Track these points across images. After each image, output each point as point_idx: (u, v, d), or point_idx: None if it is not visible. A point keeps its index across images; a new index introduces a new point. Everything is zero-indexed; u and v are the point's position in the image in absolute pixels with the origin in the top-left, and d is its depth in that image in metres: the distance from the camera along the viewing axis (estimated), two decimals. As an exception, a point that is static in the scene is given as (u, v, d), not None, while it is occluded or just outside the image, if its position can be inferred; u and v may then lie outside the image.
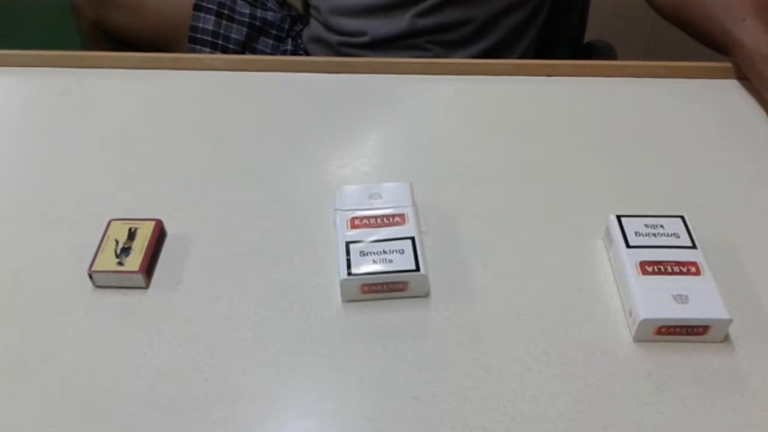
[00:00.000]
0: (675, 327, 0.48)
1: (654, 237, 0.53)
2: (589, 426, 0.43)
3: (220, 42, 1.02)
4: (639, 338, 0.49)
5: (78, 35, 1.10)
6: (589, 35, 1.11)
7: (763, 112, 0.68)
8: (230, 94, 0.72)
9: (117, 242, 0.52)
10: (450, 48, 0.95)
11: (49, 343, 0.48)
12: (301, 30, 1.09)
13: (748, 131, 0.66)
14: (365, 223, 0.53)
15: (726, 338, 0.49)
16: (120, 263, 0.50)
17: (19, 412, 0.44)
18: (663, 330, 0.48)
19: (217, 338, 0.48)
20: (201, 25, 1.01)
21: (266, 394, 0.45)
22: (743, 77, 0.71)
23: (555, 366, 0.47)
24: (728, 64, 0.72)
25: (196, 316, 0.50)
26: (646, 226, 0.53)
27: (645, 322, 0.48)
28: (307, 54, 1.04)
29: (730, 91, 0.71)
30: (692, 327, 0.48)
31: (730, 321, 0.47)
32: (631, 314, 0.49)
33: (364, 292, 0.50)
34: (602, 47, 1.09)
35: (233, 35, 1.03)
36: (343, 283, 0.50)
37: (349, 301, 0.51)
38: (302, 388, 0.46)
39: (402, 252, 0.51)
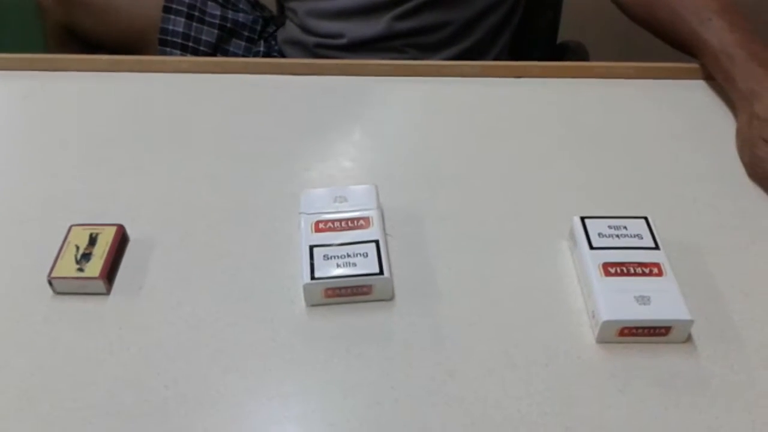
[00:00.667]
0: (637, 328, 0.48)
1: (617, 238, 0.53)
2: (551, 429, 0.43)
3: (190, 44, 1.01)
4: (602, 339, 0.49)
5: (41, 36, 1.09)
6: (563, 36, 1.11)
7: (729, 112, 0.68)
8: (197, 96, 0.71)
9: (77, 248, 0.51)
10: (427, 51, 0.95)
11: (6, 350, 0.47)
12: (275, 31, 1.08)
13: (715, 131, 0.67)
14: (329, 227, 0.53)
15: (688, 339, 0.49)
16: (80, 269, 0.50)
17: (-26, 422, 0.43)
18: (625, 331, 0.48)
19: (178, 345, 0.48)
20: (171, 27, 1.00)
21: (228, 400, 0.45)
22: (710, 77, 0.72)
23: (518, 368, 0.47)
24: (695, 65, 0.73)
25: (157, 322, 0.49)
26: (609, 227, 0.54)
27: (607, 324, 0.48)
28: (282, 56, 1.04)
29: (697, 92, 0.72)
30: (654, 328, 0.48)
31: (692, 322, 0.48)
32: (594, 316, 0.49)
33: (328, 296, 0.50)
34: (574, 47, 1.09)
35: (204, 37, 1.02)
36: (306, 288, 0.49)
37: (313, 305, 0.51)
38: (265, 395, 0.45)
39: (366, 255, 0.51)
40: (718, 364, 0.47)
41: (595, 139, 0.66)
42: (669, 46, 0.77)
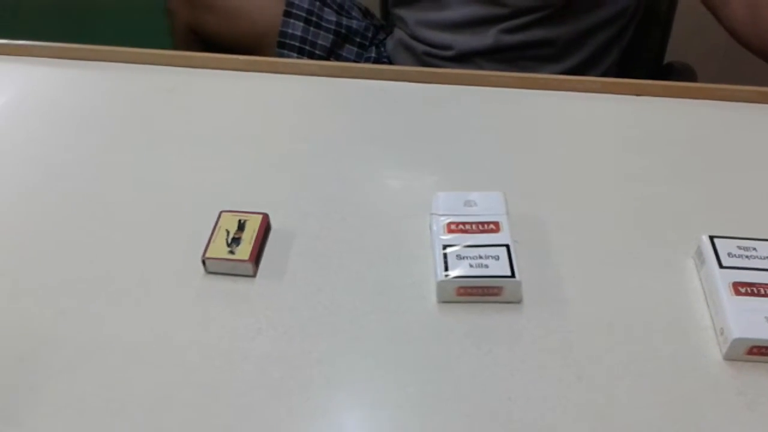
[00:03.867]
0: (767, 348, 0.49)
1: (747, 259, 0.53)
2: (680, 438, 0.45)
3: (307, 47, 1.06)
4: (730, 357, 0.49)
5: (170, 36, 1.16)
6: (670, 56, 1.11)
7: None
8: (325, 98, 0.75)
9: (228, 232, 0.55)
10: (534, 65, 0.97)
11: (164, 324, 0.52)
12: (384, 39, 1.12)
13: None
14: (461, 229, 0.55)
15: (818, 363, 0.49)
16: (231, 252, 0.54)
17: (136, 385, 0.48)
18: (755, 350, 0.49)
19: (320, 327, 0.51)
20: (290, 30, 1.05)
21: (366, 384, 0.48)
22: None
23: (645, 377, 0.48)
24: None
25: (300, 305, 0.53)
26: (739, 247, 0.54)
27: (737, 342, 0.48)
28: (390, 62, 1.07)
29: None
30: (785, 349, 0.49)
31: (825, 346, 0.48)
32: (722, 333, 0.50)
33: (460, 294, 0.52)
34: (680, 68, 1.09)
35: (320, 41, 1.07)
36: (440, 284, 0.52)
37: (444, 302, 0.53)
38: (400, 382, 0.48)
39: (497, 258, 0.53)
40: None
41: (717, 159, 0.66)
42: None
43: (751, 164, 0.66)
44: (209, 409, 0.46)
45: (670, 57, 1.12)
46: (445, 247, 0.54)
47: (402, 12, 1.01)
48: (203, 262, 0.54)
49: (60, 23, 1.86)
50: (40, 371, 0.48)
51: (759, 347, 0.49)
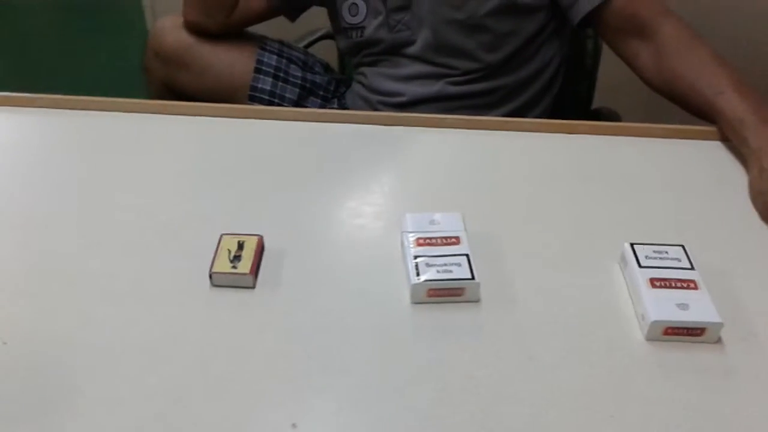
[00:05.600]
0: (678, 328, 0.60)
1: (660, 260, 0.65)
2: (609, 402, 0.55)
3: (276, 100, 1.17)
4: (650, 337, 0.61)
5: (146, 92, 1.25)
6: (597, 102, 1.27)
7: (741, 166, 0.82)
8: (304, 140, 0.86)
9: (229, 251, 0.65)
10: (476, 111, 1.10)
11: (178, 328, 0.60)
12: (344, 92, 1.24)
13: (731, 181, 0.80)
14: (428, 242, 0.66)
15: (719, 340, 0.61)
16: (234, 267, 0.63)
17: (158, 379, 0.56)
18: (669, 330, 0.60)
19: (313, 328, 0.60)
20: (260, 85, 1.16)
21: (360, 369, 0.57)
22: (725, 139, 0.86)
23: (583, 356, 0.59)
24: (713, 128, 0.87)
25: (294, 311, 0.62)
26: (654, 252, 0.66)
27: (655, 324, 0.60)
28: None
29: (716, 150, 0.86)
30: (692, 329, 0.60)
31: (722, 324, 0.60)
32: (643, 318, 0.62)
33: (430, 295, 0.63)
34: (607, 113, 1.24)
35: (287, 95, 1.18)
36: (414, 287, 0.62)
37: (417, 303, 0.63)
38: (384, 367, 0.57)
39: (459, 265, 0.64)
40: (743, 360, 0.59)
41: (635, 185, 0.79)
42: (687, 113, 0.91)
43: (660, 187, 0.79)
44: (221, 398, 0.54)
45: (596, 104, 1.27)
46: (415, 257, 0.64)
47: (364, 69, 1.14)
48: (210, 276, 0.63)
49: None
50: (82, 370, 0.56)
51: (672, 328, 0.60)
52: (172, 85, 1.19)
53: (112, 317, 0.61)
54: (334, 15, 1.15)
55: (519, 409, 0.54)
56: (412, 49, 1.08)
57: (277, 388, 0.55)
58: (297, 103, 1.18)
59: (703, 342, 0.61)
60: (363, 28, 1.11)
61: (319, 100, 1.21)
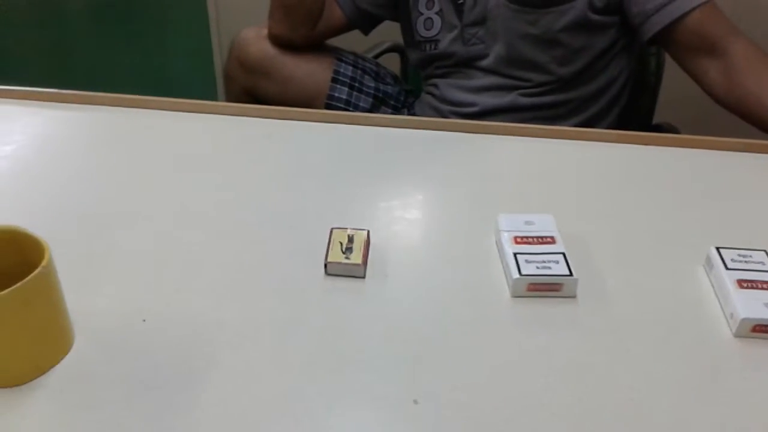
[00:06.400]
0: (766, 326, 0.64)
1: (745, 263, 0.69)
2: (702, 392, 0.59)
3: (350, 109, 1.23)
4: (739, 334, 0.65)
5: (226, 98, 1.32)
6: (658, 117, 1.31)
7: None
8: (393, 145, 0.91)
9: (341, 244, 0.70)
10: (546, 122, 1.15)
11: (299, 311, 0.65)
12: (413, 102, 1.30)
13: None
14: (526, 241, 0.71)
15: (805, 338, 0.64)
16: (347, 257, 0.68)
17: (283, 356, 0.61)
18: (758, 328, 0.64)
19: (424, 316, 0.65)
20: (336, 94, 1.23)
21: (462, 351, 0.61)
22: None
23: (675, 352, 0.63)
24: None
25: (403, 299, 0.67)
26: (738, 255, 0.70)
27: (745, 321, 0.64)
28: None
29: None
30: (780, 327, 0.64)
31: (811, 324, 0.63)
32: (732, 316, 0.65)
33: (530, 290, 0.67)
34: (667, 127, 1.28)
35: (361, 104, 1.24)
36: (515, 282, 0.67)
37: (517, 296, 0.68)
38: (482, 358, 0.62)
39: (557, 262, 0.68)
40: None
41: (712, 194, 0.83)
42: (756, 128, 0.95)
43: (736, 196, 0.83)
44: (343, 373, 0.59)
45: (657, 119, 1.31)
46: (515, 254, 0.69)
47: (436, 80, 1.20)
48: (325, 266, 0.68)
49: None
50: (216, 345, 0.61)
51: (761, 325, 0.64)
52: (254, 92, 1.26)
53: (240, 300, 0.66)
54: (408, 29, 1.21)
55: (616, 396, 0.58)
56: (485, 62, 1.14)
57: (395, 368, 0.60)
58: (370, 112, 1.24)
59: (789, 341, 0.64)
60: (437, 41, 1.17)
61: (390, 110, 1.27)
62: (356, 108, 1.23)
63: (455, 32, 1.14)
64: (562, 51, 1.09)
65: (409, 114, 1.28)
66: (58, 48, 2.82)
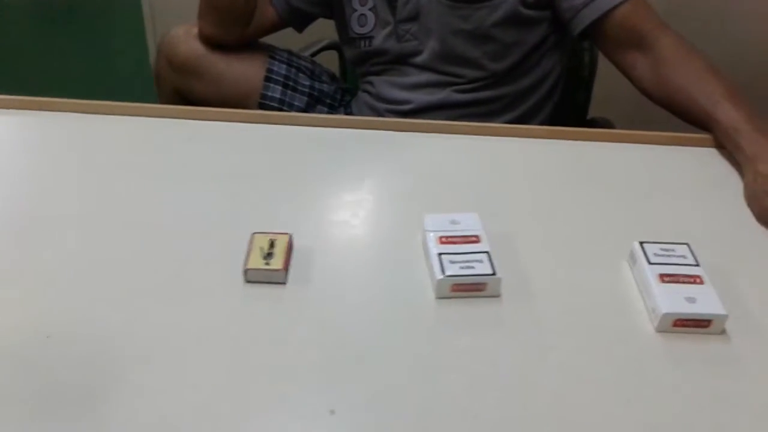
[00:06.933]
0: (687, 320, 0.64)
1: (667, 257, 0.70)
2: (625, 388, 0.59)
3: (285, 108, 1.20)
4: (660, 329, 0.65)
5: (157, 99, 1.28)
6: (592, 112, 1.32)
7: (735, 171, 0.87)
8: (319, 146, 0.89)
9: (261, 249, 0.68)
10: (480, 119, 1.14)
11: (216, 320, 0.63)
12: (350, 101, 1.28)
13: (727, 185, 0.85)
14: (450, 240, 0.70)
15: (723, 331, 0.65)
16: (267, 263, 0.66)
17: (196, 369, 0.58)
18: (679, 322, 0.64)
19: (344, 321, 0.64)
20: (270, 93, 1.20)
21: (385, 356, 0.60)
22: (720, 146, 0.90)
23: (599, 346, 0.63)
24: (708, 136, 0.92)
25: (325, 305, 0.65)
26: (661, 249, 0.70)
27: (666, 316, 0.64)
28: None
29: (711, 156, 0.91)
30: (699, 320, 0.64)
31: (727, 316, 0.64)
32: (654, 311, 0.65)
33: (454, 290, 0.66)
34: (602, 122, 1.29)
35: (296, 103, 1.21)
36: (439, 282, 0.66)
37: (441, 298, 0.67)
38: (415, 357, 0.61)
39: (481, 262, 0.67)
40: (749, 350, 0.63)
41: (637, 189, 0.84)
42: (681, 121, 0.96)
43: (661, 191, 0.84)
44: (260, 385, 0.57)
45: (591, 114, 1.32)
46: (439, 254, 0.68)
47: (372, 77, 1.18)
48: (245, 272, 0.66)
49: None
50: (125, 361, 0.59)
51: (682, 320, 0.64)
52: (183, 92, 1.22)
53: (152, 310, 0.64)
54: (342, 25, 1.19)
55: (541, 394, 0.58)
56: (419, 59, 1.13)
57: (313, 376, 0.58)
58: (305, 111, 1.22)
59: (709, 333, 0.65)
60: (371, 38, 1.15)
61: (326, 108, 1.25)
62: (290, 107, 1.21)
63: (389, 29, 1.13)
64: (495, 46, 1.08)
65: (346, 112, 1.26)
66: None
